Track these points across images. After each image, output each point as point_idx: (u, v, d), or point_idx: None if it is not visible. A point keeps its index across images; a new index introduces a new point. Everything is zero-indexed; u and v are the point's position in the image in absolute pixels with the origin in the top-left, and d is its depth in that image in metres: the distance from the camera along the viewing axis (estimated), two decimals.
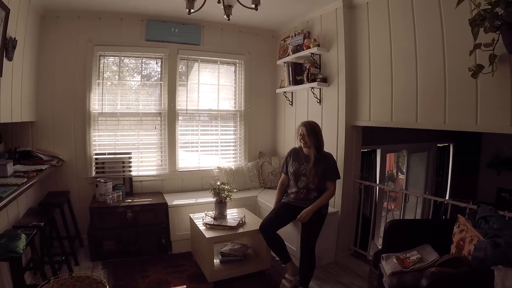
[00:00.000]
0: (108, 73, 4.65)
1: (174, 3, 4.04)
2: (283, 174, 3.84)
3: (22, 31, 3.40)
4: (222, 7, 2.69)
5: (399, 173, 6.67)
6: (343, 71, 4.03)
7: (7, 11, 2.86)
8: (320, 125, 3.68)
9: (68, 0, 3.94)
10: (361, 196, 4.25)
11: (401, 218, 4.60)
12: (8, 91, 3.14)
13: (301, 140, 3.57)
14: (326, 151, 3.63)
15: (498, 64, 2.43)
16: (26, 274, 3.10)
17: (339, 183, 3.94)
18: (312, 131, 3.50)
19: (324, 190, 3.56)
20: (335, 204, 4.15)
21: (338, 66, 4.11)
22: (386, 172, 6.08)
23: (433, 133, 5.83)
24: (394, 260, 2.56)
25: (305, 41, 4.45)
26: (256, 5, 2.52)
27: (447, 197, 6.44)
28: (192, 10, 2.63)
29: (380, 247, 3.50)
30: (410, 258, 2.56)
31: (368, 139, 4.46)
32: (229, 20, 2.79)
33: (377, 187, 5.01)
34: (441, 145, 6.89)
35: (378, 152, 5.61)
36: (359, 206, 4.34)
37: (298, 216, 3.37)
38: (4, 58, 2.94)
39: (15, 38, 3.10)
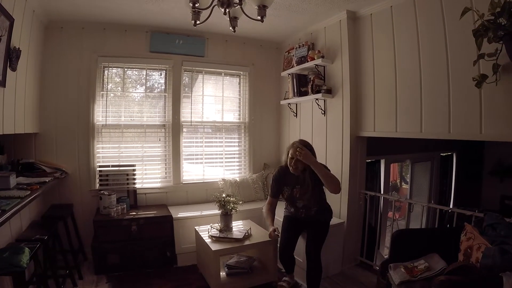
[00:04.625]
0: (111, 84, 4.66)
1: (179, 14, 4.07)
2: (269, 198, 3.68)
3: (26, 41, 3.41)
4: (228, 19, 2.71)
5: (403, 183, 6.65)
6: (347, 82, 4.04)
7: (11, 21, 2.87)
8: (325, 137, 3.69)
9: (72, 11, 3.96)
10: (366, 206, 4.23)
11: (406, 227, 4.57)
12: (12, 102, 3.15)
13: (292, 166, 3.34)
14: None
15: (502, 73, 2.45)
16: None
17: (344, 193, 3.94)
18: (309, 155, 3.26)
19: (324, 198, 3.54)
20: (340, 215, 4.13)
21: (342, 77, 4.12)
22: (390, 182, 6.06)
23: (436, 142, 5.83)
24: (402, 269, 2.55)
25: (309, 52, 4.47)
26: (262, 17, 2.52)
27: (451, 206, 6.41)
28: (198, 22, 2.64)
29: (386, 256, 3.48)
30: (418, 267, 2.55)
31: (372, 150, 4.45)
32: (234, 31, 2.80)
33: (382, 197, 4.99)
34: (444, 154, 6.88)
35: (382, 162, 5.60)
36: (364, 216, 4.32)
37: (299, 152, 3.22)
38: (8, 69, 2.94)
39: (19, 48, 3.11)
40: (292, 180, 3.45)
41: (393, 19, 3.58)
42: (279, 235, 3.55)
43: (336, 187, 3.21)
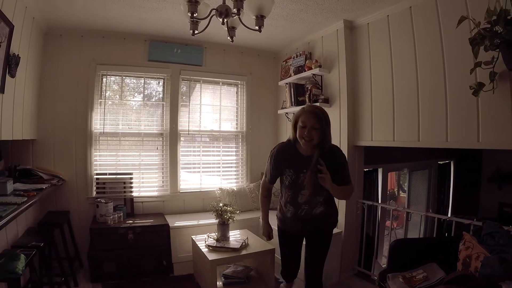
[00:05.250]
0: (109, 92, 4.67)
1: (177, 24, 4.10)
2: (265, 181, 2.91)
3: (25, 48, 3.42)
4: (226, 28, 2.73)
5: (401, 192, 6.65)
6: (344, 92, 4.06)
7: (11, 27, 2.88)
8: None
9: (71, 19, 3.99)
10: (364, 215, 4.22)
11: (404, 236, 4.56)
12: (10, 108, 3.14)
13: (305, 137, 2.48)
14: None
15: (499, 81, 2.48)
16: None
17: (341, 202, 3.90)
18: (326, 121, 2.51)
19: (332, 199, 2.74)
20: (338, 224, 4.11)
21: (339, 86, 4.14)
22: (388, 190, 6.06)
23: (433, 151, 5.84)
24: (401, 279, 2.54)
25: (306, 62, 4.50)
26: (260, 27, 2.55)
27: (449, 214, 6.41)
28: (196, 32, 2.66)
29: (384, 266, 3.46)
30: (417, 277, 2.53)
31: (369, 158, 4.46)
32: (232, 41, 2.82)
33: (379, 206, 4.98)
34: (442, 162, 6.89)
35: (380, 171, 5.60)
36: (362, 225, 4.31)
37: (319, 176, 2.46)
38: (7, 75, 2.94)
39: (18, 55, 3.12)
40: (299, 161, 2.61)
41: (390, 29, 3.61)
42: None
43: (348, 198, 2.79)
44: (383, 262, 4.83)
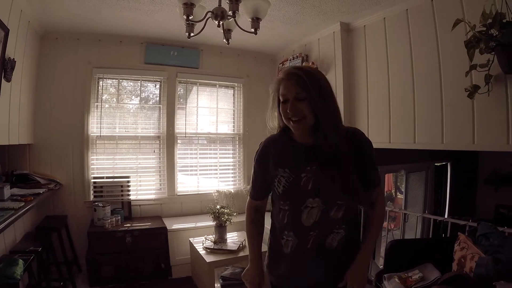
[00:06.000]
0: (106, 95, 4.67)
1: (173, 26, 4.10)
2: (250, 199, 1.89)
3: (21, 52, 3.41)
4: (222, 31, 2.74)
5: (398, 193, 6.66)
6: (341, 94, 4.07)
7: (6, 31, 2.88)
8: None
9: (67, 22, 3.97)
10: (361, 217, 4.22)
11: (401, 237, 4.57)
12: (6, 113, 3.14)
13: (291, 117, 1.56)
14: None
15: (494, 84, 2.49)
16: None
17: None
18: (318, 86, 1.53)
19: (356, 214, 1.74)
20: None
21: (336, 88, 4.15)
22: (385, 192, 6.07)
23: (430, 152, 5.85)
24: (396, 280, 2.55)
25: (303, 64, 4.51)
26: (255, 30, 2.56)
27: (446, 215, 6.42)
28: (192, 34, 2.67)
29: (381, 267, 3.47)
30: (412, 277, 2.55)
31: None
32: (228, 44, 2.84)
33: None
34: (438, 164, 6.90)
35: None
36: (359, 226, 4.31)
37: None
38: (3, 79, 2.94)
39: (13, 59, 3.11)
40: (299, 154, 1.64)
41: (386, 31, 3.62)
42: None
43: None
44: (380, 263, 4.83)
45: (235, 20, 2.58)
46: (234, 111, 5.43)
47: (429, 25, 3.12)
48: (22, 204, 2.79)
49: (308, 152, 1.61)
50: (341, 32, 4.06)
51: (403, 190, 6.40)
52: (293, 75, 1.56)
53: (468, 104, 2.76)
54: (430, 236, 4.15)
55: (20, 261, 2.48)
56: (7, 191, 3.02)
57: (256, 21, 2.52)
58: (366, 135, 1.71)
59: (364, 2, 3.43)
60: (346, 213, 1.60)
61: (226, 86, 5.38)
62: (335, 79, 4.15)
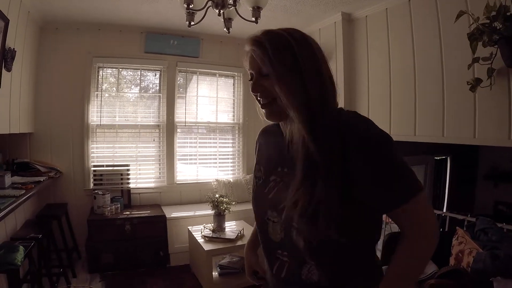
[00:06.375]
0: (106, 84, 4.66)
1: (173, 15, 4.07)
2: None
3: (21, 42, 3.40)
4: (222, 20, 2.72)
5: None
6: (341, 84, 4.05)
7: (6, 21, 2.87)
8: None
9: (67, 12, 3.95)
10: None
11: (399, 230, 4.59)
12: (7, 102, 3.15)
13: (258, 100, 1.19)
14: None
15: (496, 77, 2.47)
16: (24, 286, 3.06)
17: None
18: (290, 54, 1.12)
19: (343, 253, 1.09)
20: None
21: (336, 79, 4.09)
22: None
23: (430, 146, 5.85)
24: None
25: None
26: (256, 19, 2.55)
27: (444, 209, 6.44)
28: (192, 23, 2.65)
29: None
30: None
31: None
32: (229, 33, 2.82)
33: None
34: (438, 158, 6.90)
35: None
36: None
37: None
38: (3, 69, 2.94)
39: (14, 49, 3.10)
40: (276, 148, 1.28)
41: (388, 22, 3.59)
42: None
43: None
44: (379, 255, 4.86)
45: (235, 9, 2.57)
46: (234, 100, 5.42)
47: (431, 17, 3.09)
48: (23, 191, 2.81)
49: (284, 148, 1.18)
50: (342, 22, 4.02)
51: None
52: (254, 43, 1.18)
53: (470, 98, 2.74)
54: None
55: (21, 248, 2.50)
56: (8, 179, 3.04)
57: (257, 10, 2.50)
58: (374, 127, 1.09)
59: None
60: (312, 245, 1.05)
61: (226, 76, 5.35)
62: (336, 70, 4.13)
